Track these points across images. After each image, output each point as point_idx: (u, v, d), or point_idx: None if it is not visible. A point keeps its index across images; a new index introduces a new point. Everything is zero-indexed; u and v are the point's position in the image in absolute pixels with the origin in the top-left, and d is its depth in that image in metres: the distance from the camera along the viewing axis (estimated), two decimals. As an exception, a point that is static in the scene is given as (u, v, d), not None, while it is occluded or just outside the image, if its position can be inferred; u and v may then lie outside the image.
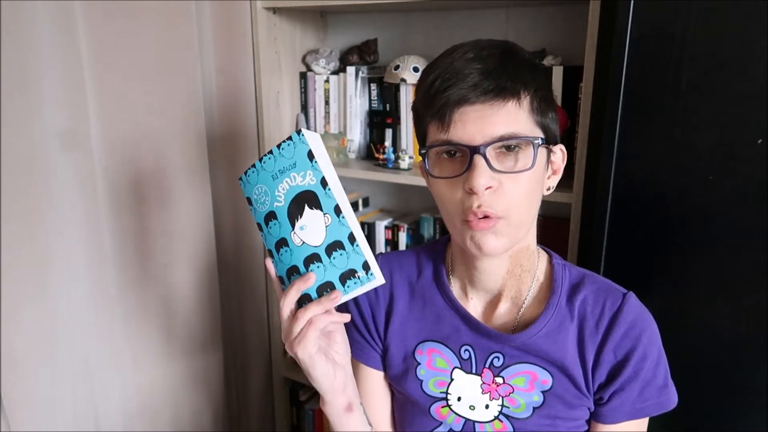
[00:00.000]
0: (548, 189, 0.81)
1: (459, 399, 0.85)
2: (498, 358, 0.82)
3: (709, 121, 0.89)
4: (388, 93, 1.59)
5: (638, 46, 0.92)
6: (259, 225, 0.78)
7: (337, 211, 0.72)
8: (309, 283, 0.73)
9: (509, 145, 0.73)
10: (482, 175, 0.70)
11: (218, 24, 1.50)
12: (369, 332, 0.91)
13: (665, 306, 0.95)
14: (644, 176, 0.97)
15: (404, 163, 1.51)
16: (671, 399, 0.81)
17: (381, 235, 1.68)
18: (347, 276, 0.73)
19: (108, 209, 1.28)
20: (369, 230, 1.70)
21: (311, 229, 0.73)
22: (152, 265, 1.39)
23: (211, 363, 1.58)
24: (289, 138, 0.73)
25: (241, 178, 0.78)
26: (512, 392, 0.82)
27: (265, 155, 0.75)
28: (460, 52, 0.74)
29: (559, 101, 1.33)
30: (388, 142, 1.60)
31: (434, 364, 0.86)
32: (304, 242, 0.74)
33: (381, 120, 1.62)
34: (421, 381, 0.86)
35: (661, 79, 0.91)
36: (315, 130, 1.73)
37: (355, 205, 1.79)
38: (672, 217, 0.95)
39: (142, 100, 1.30)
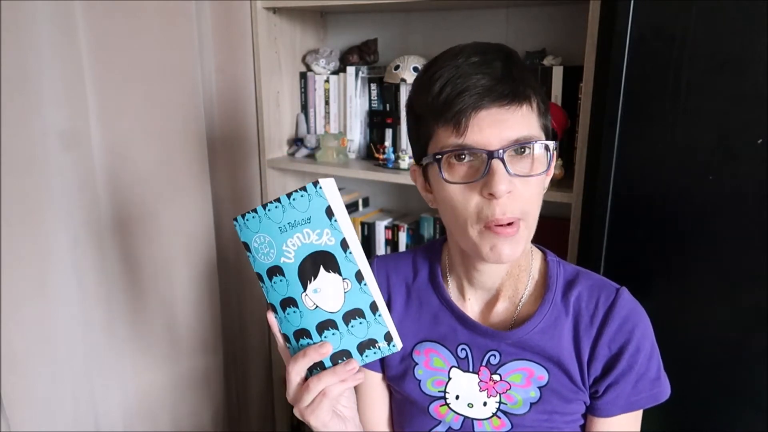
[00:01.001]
0: (544, 189, 0.82)
1: (457, 397, 0.85)
2: (494, 356, 0.83)
3: (709, 121, 0.89)
4: (388, 93, 1.59)
5: (638, 46, 0.92)
6: (259, 275, 0.71)
7: (359, 277, 0.67)
8: (324, 354, 0.70)
9: (522, 148, 0.73)
10: (503, 180, 0.70)
11: (218, 24, 1.50)
12: None
13: (665, 305, 0.95)
14: (644, 176, 0.97)
15: (404, 163, 1.51)
16: (664, 391, 0.82)
17: (381, 235, 1.68)
18: (366, 346, 0.69)
19: (108, 209, 1.28)
20: (369, 230, 1.70)
21: (327, 294, 0.68)
22: (152, 264, 1.39)
23: (211, 364, 1.58)
24: (304, 189, 0.65)
25: (236, 220, 0.71)
26: (509, 389, 0.83)
27: (270, 203, 0.67)
28: (464, 57, 0.73)
29: (559, 101, 1.33)
30: (388, 142, 1.60)
31: (432, 364, 0.86)
32: (317, 306, 0.69)
33: (381, 120, 1.62)
34: (419, 381, 0.87)
35: (661, 79, 0.91)
36: (315, 131, 1.73)
37: (355, 205, 1.79)
38: (672, 217, 0.95)
39: (142, 100, 1.30)
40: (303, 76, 1.72)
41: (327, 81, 1.67)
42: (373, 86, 1.62)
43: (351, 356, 0.70)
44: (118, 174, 1.29)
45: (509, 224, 0.73)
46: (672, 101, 0.91)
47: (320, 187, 0.64)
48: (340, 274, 0.67)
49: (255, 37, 1.58)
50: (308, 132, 1.74)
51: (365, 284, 0.67)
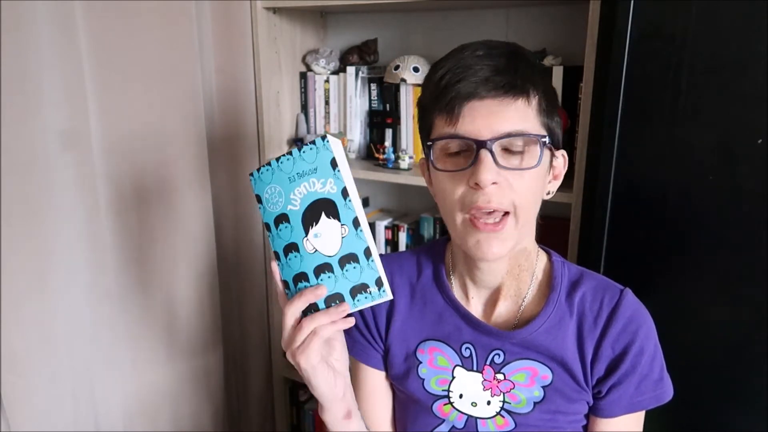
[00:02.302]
0: (548, 193, 0.82)
1: (461, 396, 0.85)
2: (498, 355, 0.83)
3: (709, 121, 0.89)
4: (388, 93, 1.59)
5: (638, 46, 0.92)
6: (267, 225, 0.76)
7: (356, 223, 0.71)
8: (320, 295, 0.72)
9: (516, 143, 0.73)
10: (488, 170, 0.71)
11: (218, 24, 1.50)
12: (370, 333, 0.91)
13: (665, 306, 0.95)
14: (644, 176, 0.97)
15: (404, 163, 1.51)
16: (667, 392, 0.82)
17: (381, 235, 1.68)
18: (359, 290, 0.72)
19: (108, 209, 1.28)
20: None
21: (326, 238, 0.72)
22: (152, 264, 1.39)
23: (211, 363, 1.58)
24: (313, 142, 0.71)
25: (252, 174, 0.76)
26: (513, 388, 0.83)
27: (284, 155, 0.73)
28: (470, 50, 0.75)
29: (559, 101, 1.33)
30: (388, 142, 1.60)
31: (436, 363, 0.86)
32: (317, 250, 0.73)
33: (381, 120, 1.62)
34: (423, 380, 0.87)
35: (661, 79, 0.91)
36: (315, 131, 1.73)
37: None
38: (672, 217, 0.95)
39: (142, 100, 1.30)
40: (303, 76, 1.72)
41: (327, 81, 1.67)
42: (373, 86, 1.62)
43: (344, 300, 0.73)
44: (118, 174, 1.29)
45: (495, 221, 0.73)
46: (672, 101, 0.91)
47: (327, 141, 0.70)
48: (339, 220, 0.71)
49: (255, 37, 1.58)
50: (308, 132, 1.74)
51: (361, 230, 0.71)
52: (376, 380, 0.93)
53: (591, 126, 1.16)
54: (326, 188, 0.71)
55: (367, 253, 0.71)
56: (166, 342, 1.45)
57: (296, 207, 0.73)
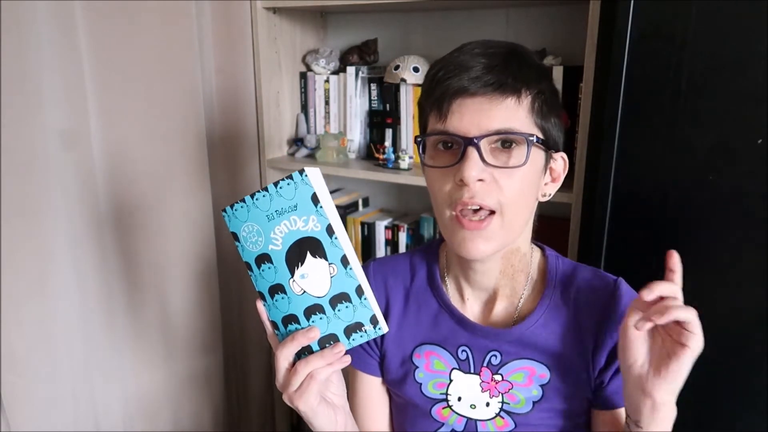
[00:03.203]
0: (544, 195, 0.81)
1: (459, 399, 0.85)
2: (495, 356, 0.83)
3: (709, 121, 0.89)
4: (388, 93, 1.59)
5: (638, 46, 0.92)
6: (247, 264, 0.73)
7: (345, 262, 0.68)
8: (312, 338, 0.71)
9: (506, 140, 0.73)
10: (473, 167, 0.71)
11: (218, 24, 1.50)
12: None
13: (665, 306, 0.95)
14: (644, 176, 0.97)
15: (404, 163, 1.51)
16: None
17: (381, 235, 1.67)
18: (353, 329, 0.70)
19: (108, 209, 1.28)
20: (369, 230, 1.70)
21: (314, 279, 0.69)
22: (152, 265, 1.39)
23: (211, 363, 1.58)
24: (290, 177, 0.67)
25: (225, 211, 0.72)
26: (511, 388, 0.82)
27: (258, 192, 0.69)
28: (468, 48, 0.75)
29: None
30: (388, 142, 1.60)
31: (432, 367, 0.86)
32: (305, 291, 0.70)
33: (381, 120, 1.62)
34: (420, 384, 0.86)
35: (661, 79, 0.91)
36: (315, 131, 1.73)
37: (354, 205, 1.79)
38: (672, 216, 0.95)
39: (142, 100, 1.30)
40: (303, 76, 1.72)
41: (327, 81, 1.67)
42: (373, 86, 1.62)
43: (338, 340, 0.71)
44: (118, 174, 1.29)
45: (479, 218, 0.73)
46: (672, 101, 0.91)
47: (306, 175, 0.66)
48: (326, 259, 0.68)
49: (255, 37, 1.58)
50: (308, 132, 1.74)
51: (351, 269, 0.68)
52: (372, 386, 0.92)
53: (591, 126, 1.16)
54: (309, 226, 0.67)
55: (359, 291, 0.69)
56: (166, 342, 1.45)
57: (278, 247, 0.70)
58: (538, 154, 0.75)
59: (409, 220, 1.68)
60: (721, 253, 0.92)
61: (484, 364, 0.83)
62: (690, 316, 0.65)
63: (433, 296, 0.88)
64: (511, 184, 0.73)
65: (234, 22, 1.53)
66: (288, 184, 0.67)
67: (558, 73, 1.31)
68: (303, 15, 1.70)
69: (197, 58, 1.41)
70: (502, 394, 0.83)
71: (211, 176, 1.51)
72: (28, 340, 1.16)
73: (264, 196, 0.69)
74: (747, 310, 0.92)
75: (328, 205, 0.67)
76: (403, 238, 1.66)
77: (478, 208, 0.73)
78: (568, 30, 1.41)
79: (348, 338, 0.71)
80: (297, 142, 1.73)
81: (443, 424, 0.86)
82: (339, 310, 0.70)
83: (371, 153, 1.63)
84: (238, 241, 0.73)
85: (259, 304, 0.74)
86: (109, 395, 1.34)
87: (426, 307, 0.88)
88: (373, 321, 0.70)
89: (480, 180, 0.72)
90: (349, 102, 1.64)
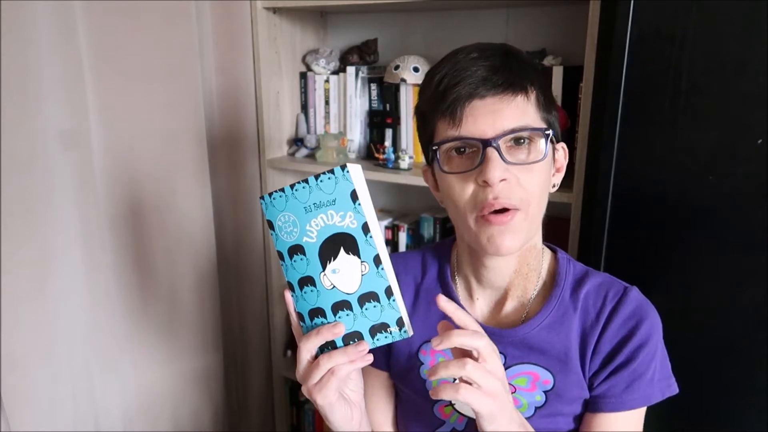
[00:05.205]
0: (553, 186, 0.82)
1: None
2: (500, 358, 0.82)
3: (709, 121, 0.89)
4: (388, 93, 1.59)
5: (638, 46, 0.92)
6: (280, 254, 0.73)
7: (377, 261, 0.67)
8: (337, 333, 0.70)
9: (520, 138, 0.74)
10: (497, 167, 0.71)
11: (218, 24, 1.50)
12: None
13: (665, 306, 0.95)
14: (644, 176, 0.97)
15: (404, 163, 1.51)
16: (665, 391, 0.81)
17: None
18: (378, 329, 0.70)
19: (108, 209, 1.28)
20: (369, 230, 1.70)
21: (344, 275, 0.69)
22: (152, 265, 1.39)
23: (211, 363, 1.58)
24: (331, 171, 0.67)
25: (263, 198, 0.72)
26: (514, 392, 0.82)
27: (298, 183, 0.69)
28: (464, 53, 0.75)
29: (559, 101, 1.33)
30: (388, 142, 1.60)
31: None
32: (334, 286, 0.70)
33: (381, 120, 1.62)
34: (425, 381, 0.87)
35: (661, 79, 0.91)
36: (315, 131, 1.73)
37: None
38: (672, 217, 0.95)
39: (142, 100, 1.30)
40: (303, 76, 1.72)
41: (327, 81, 1.67)
42: (373, 86, 1.62)
43: (362, 338, 0.71)
44: (118, 174, 1.29)
45: (504, 212, 0.73)
46: (672, 101, 0.91)
47: (347, 171, 0.66)
48: (359, 257, 0.68)
49: (255, 37, 1.58)
50: (308, 132, 1.74)
51: (382, 269, 0.68)
52: (379, 380, 0.93)
53: (591, 126, 1.16)
54: (345, 222, 0.67)
55: (389, 292, 0.68)
56: (166, 342, 1.45)
57: (312, 240, 0.69)
58: (548, 147, 0.76)
59: (409, 220, 1.68)
60: (721, 253, 0.92)
61: None
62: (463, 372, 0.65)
63: (442, 294, 0.88)
64: (531, 179, 0.74)
65: (234, 22, 1.53)
66: (329, 178, 0.67)
67: (558, 73, 1.31)
68: (303, 15, 1.70)
69: (197, 58, 1.41)
70: None
71: (211, 176, 1.51)
72: (28, 340, 1.16)
73: (303, 187, 0.69)
74: (747, 310, 0.92)
75: (367, 203, 0.67)
76: (403, 238, 1.66)
77: (501, 208, 0.73)
78: (568, 30, 1.41)
79: (372, 337, 0.70)
80: (297, 142, 1.73)
81: (445, 422, 0.87)
82: (366, 309, 0.70)
83: (371, 153, 1.63)
84: (273, 230, 0.72)
85: (287, 294, 0.74)
86: (109, 395, 1.34)
87: (435, 305, 0.88)
88: (399, 323, 0.69)
89: (502, 180, 0.72)
90: (349, 102, 1.64)
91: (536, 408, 0.82)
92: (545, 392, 0.81)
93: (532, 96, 0.75)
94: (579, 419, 0.84)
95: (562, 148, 0.83)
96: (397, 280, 0.89)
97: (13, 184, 1.10)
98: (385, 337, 0.70)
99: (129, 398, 1.39)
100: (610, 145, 0.97)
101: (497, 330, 0.83)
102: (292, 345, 1.88)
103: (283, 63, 1.67)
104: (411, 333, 0.70)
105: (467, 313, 0.70)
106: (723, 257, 0.92)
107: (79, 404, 1.27)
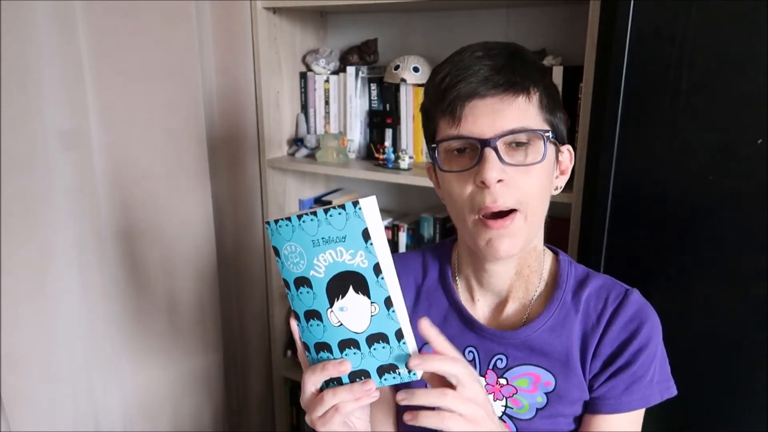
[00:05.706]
0: (556, 189, 0.82)
1: None
2: (501, 359, 0.83)
3: (709, 121, 0.89)
4: (388, 93, 1.59)
5: (638, 46, 0.92)
6: (285, 282, 0.69)
7: (388, 303, 0.64)
8: (343, 371, 0.68)
9: (519, 140, 0.74)
10: (493, 168, 0.71)
11: (218, 24, 1.50)
12: None
13: (665, 306, 0.95)
14: (644, 176, 0.97)
15: (404, 163, 1.51)
16: (664, 393, 0.80)
17: (381, 235, 1.67)
18: (387, 369, 0.67)
19: (108, 209, 1.28)
20: (369, 230, 1.70)
21: (353, 314, 0.66)
22: (152, 265, 1.39)
23: (211, 363, 1.58)
24: (342, 207, 0.62)
25: (269, 224, 0.68)
26: (515, 393, 0.82)
27: (306, 214, 0.64)
28: (469, 52, 0.75)
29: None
30: (388, 142, 1.60)
31: None
32: (342, 324, 0.67)
33: (381, 120, 1.62)
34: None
35: (661, 79, 0.91)
36: (315, 131, 1.73)
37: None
38: (672, 216, 0.95)
39: (142, 100, 1.30)
40: (303, 76, 1.72)
41: (327, 81, 1.67)
42: (373, 86, 1.62)
43: (369, 377, 0.68)
44: (118, 174, 1.29)
45: (502, 216, 0.73)
46: (672, 101, 0.91)
47: (359, 208, 0.61)
48: (369, 297, 0.65)
49: (255, 37, 1.58)
50: (308, 132, 1.74)
51: (393, 311, 0.64)
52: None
53: (591, 126, 1.16)
54: (356, 261, 0.63)
55: (399, 335, 0.65)
56: (166, 342, 1.45)
57: (320, 275, 0.66)
58: (550, 149, 0.76)
59: (409, 220, 1.68)
60: (721, 253, 0.92)
61: (490, 367, 0.83)
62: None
63: (443, 295, 0.88)
64: (529, 181, 0.74)
65: (234, 22, 1.54)
66: (339, 213, 0.62)
67: (558, 73, 1.31)
68: (303, 15, 1.70)
69: (197, 58, 1.41)
70: (506, 398, 0.83)
71: (211, 176, 1.51)
72: (27, 340, 1.16)
73: (312, 220, 0.64)
74: (747, 310, 0.92)
75: (380, 242, 0.63)
76: (403, 238, 1.66)
77: (499, 210, 0.73)
78: (568, 30, 1.41)
79: (380, 377, 0.68)
80: (297, 142, 1.73)
81: None
82: (375, 349, 0.67)
83: (371, 153, 1.63)
84: (279, 258, 0.69)
85: (293, 323, 0.72)
86: (109, 395, 1.34)
87: (436, 306, 0.88)
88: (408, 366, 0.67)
89: (500, 180, 0.72)
90: (349, 102, 1.64)
91: (537, 409, 0.82)
92: (546, 394, 0.81)
93: (535, 97, 0.74)
94: (579, 420, 0.84)
95: (567, 151, 0.83)
96: (398, 281, 0.90)
97: (13, 184, 1.10)
98: (393, 377, 0.68)
99: (129, 398, 1.39)
100: (610, 145, 0.97)
101: (499, 331, 0.83)
102: (292, 345, 1.88)
103: (283, 63, 1.67)
104: (420, 376, 0.68)
105: (447, 341, 0.68)
106: (723, 257, 0.92)
107: (79, 404, 1.27)
